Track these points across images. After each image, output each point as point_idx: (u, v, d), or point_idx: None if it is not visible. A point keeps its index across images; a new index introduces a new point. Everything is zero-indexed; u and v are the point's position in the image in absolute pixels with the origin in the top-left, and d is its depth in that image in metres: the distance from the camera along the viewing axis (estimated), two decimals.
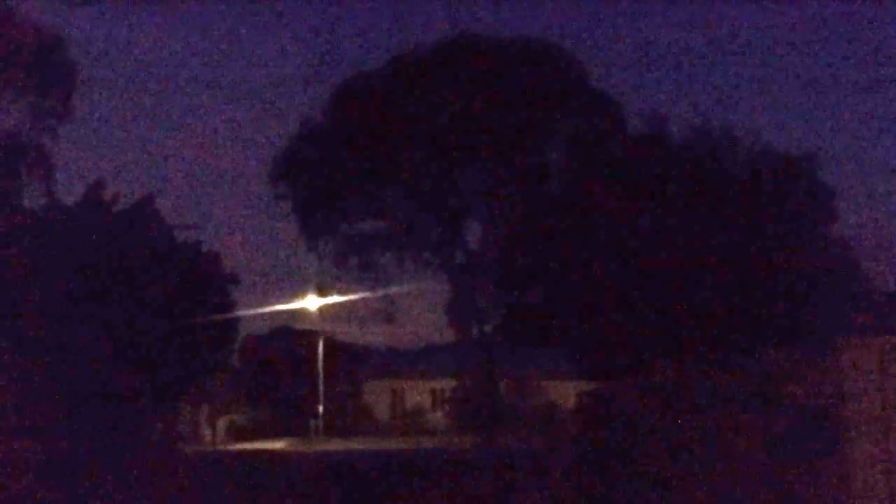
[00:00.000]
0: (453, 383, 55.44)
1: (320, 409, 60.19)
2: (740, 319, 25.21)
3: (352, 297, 43.21)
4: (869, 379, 19.06)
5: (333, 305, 56.57)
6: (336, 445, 48.31)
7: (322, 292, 57.22)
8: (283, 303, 56.21)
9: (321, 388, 60.61)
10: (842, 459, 19.52)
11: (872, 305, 25.77)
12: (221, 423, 56.26)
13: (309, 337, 63.39)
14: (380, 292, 36.67)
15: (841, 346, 19.70)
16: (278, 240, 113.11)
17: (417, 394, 60.69)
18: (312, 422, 59.09)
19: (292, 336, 67.35)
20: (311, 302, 58.29)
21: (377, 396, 61.85)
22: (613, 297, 26.46)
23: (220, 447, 49.97)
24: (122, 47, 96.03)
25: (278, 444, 50.77)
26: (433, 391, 60.10)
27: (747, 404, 22.00)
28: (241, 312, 40.27)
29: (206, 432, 54.02)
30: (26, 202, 31.78)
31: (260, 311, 49.32)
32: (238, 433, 56.73)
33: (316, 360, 60.87)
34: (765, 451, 21.21)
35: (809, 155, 28.59)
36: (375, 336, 73.61)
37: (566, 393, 46.29)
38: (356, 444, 48.52)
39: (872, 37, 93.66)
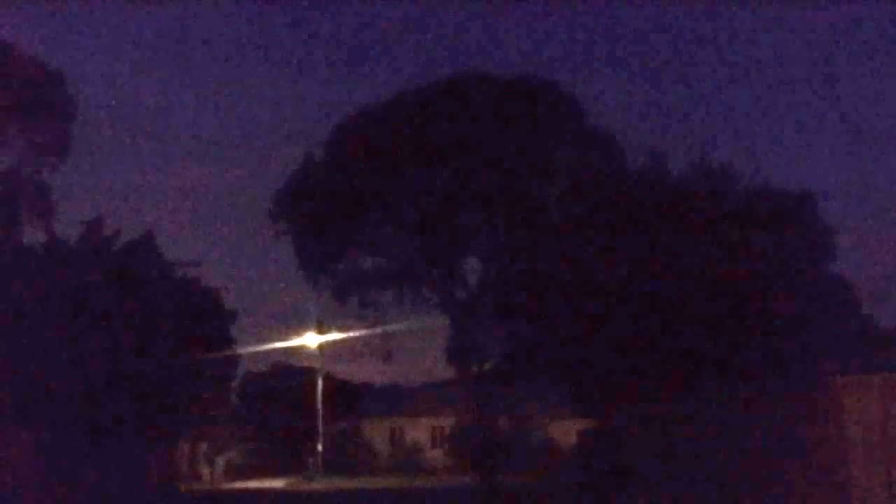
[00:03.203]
0: (452, 421, 55.20)
1: (319, 446, 59.85)
2: (738, 357, 25.11)
3: (351, 334, 43.15)
4: (870, 417, 18.92)
5: (333, 343, 56.55)
6: (336, 484, 47.98)
7: (321, 329, 57.12)
8: (282, 340, 56.14)
9: (320, 425, 60.32)
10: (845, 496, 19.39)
11: (872, 342, 25.69)
12: (220, 461, 55.92)
13: (308, 374, 63.17)
14: (379, 330, 36.52)
15: (841, 384, 19.58)
16: (278, 277, 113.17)
17: (416, 431, 60.42)
18: (311, 460, 58.76)
19: (291, 373, 67.13)
20: (311, 339, 58.15)
21: (376, 434, 61.54)
22: (612, 335, 26.40)
23: (219, 485, 49.65)
24: (122, 84, 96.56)
25: (277, 483, 50.42)
26: (432, 428, 59.82)
27: (748, 443, 21.89)
28: (241, 349, 40.27)
29: (205, 470, 53.70)
30: (26, 238, 31.81)
31: (259, 348, 49.30)
32: (236, 471, 56.39)
33: (315, 398, 60.61)
34: (766, 485, 21.09)
35: (808, 192, 28.59)
36: (375, 373, 73.70)
37: (565, 430, 46.15)
38: (355, 483, 48.18)
39: (876, 74, 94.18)
